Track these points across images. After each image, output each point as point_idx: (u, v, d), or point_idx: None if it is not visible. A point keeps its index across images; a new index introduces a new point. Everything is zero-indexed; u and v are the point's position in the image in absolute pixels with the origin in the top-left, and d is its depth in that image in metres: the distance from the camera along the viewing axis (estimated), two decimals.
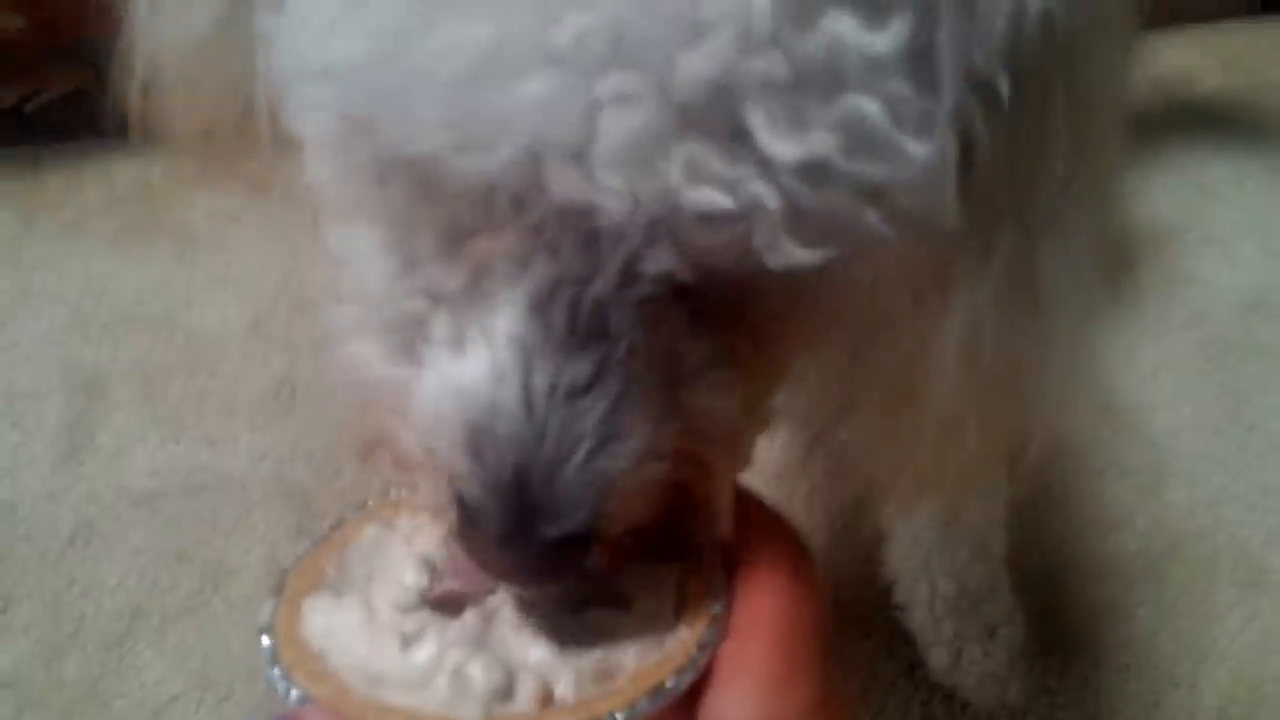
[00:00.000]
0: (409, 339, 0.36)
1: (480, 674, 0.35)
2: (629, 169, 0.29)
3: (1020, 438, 0.47)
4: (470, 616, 0.37)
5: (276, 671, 0.36)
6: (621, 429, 0.34)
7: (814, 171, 0.29)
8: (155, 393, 1.10)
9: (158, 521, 1.00)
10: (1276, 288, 1.17)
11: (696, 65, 0.28)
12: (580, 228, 0.32)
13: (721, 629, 0.37)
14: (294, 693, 0.35)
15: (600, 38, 0.28)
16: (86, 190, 1.30)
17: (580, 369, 0.33)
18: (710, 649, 0.36)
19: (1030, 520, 0.95)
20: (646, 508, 0.36)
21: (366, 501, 0.42)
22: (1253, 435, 1.04)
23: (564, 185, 0.30)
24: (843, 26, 0.29)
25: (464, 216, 0.34)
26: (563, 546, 0.34)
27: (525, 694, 0.35)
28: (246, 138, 0.48)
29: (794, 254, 0.31)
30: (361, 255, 0.38)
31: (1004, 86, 0.33)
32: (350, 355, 0.38)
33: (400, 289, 0.36)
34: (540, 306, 0.33)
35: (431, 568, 0.39)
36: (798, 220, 0.30)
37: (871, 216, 0.31)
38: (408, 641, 0.36)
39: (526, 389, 0.33)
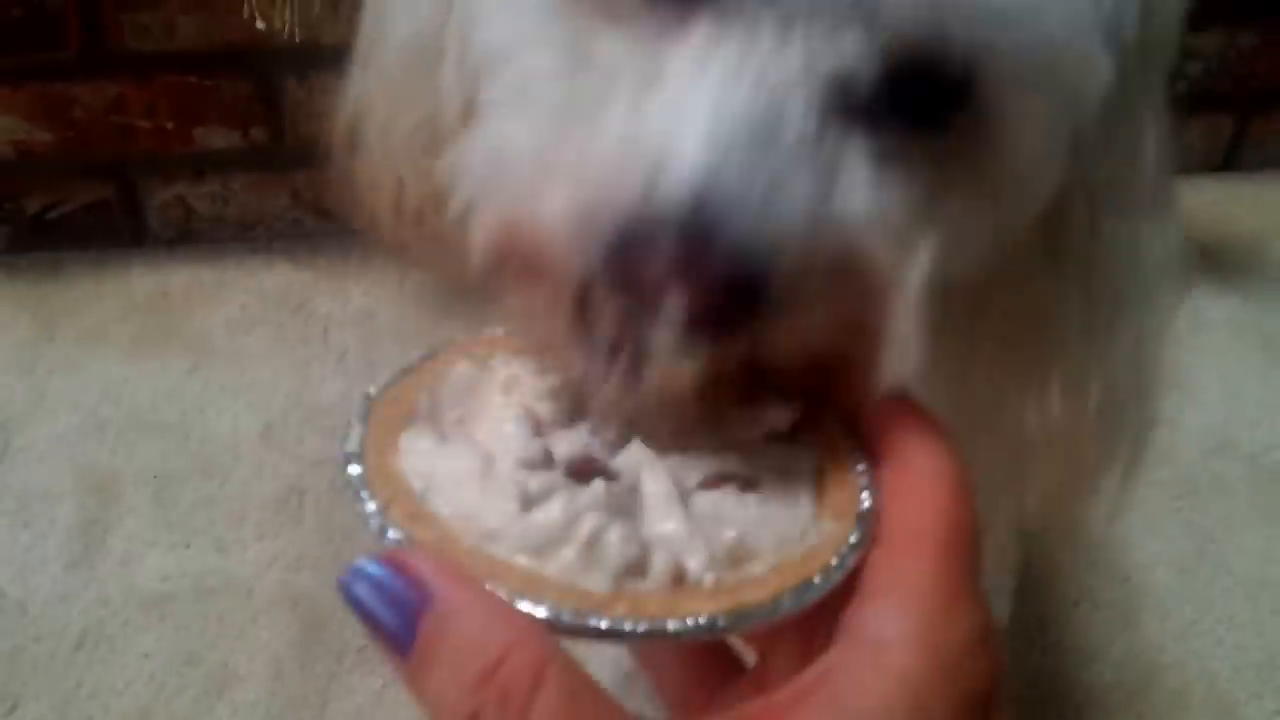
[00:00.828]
0: (568, 126, 0.35)
1: (616, 543, 0.31)
2: None
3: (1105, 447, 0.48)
4: (600, 484, 0.33)
5: (372, 506, 0.32)
6: (797, 187, 0.33)
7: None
8: (167, 498, 1.13)
9: (167, 626, 1.03)
10: (1239, 430, 1.23)
11: None
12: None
13: (870, 529, 0.33)
14: (391, 533, 0.31)
15: None
16: (105, 298, 1.35)
17: (758, 131, 0.33)
18: (859, 549, 0.32)
19: (1010, 651, 1.00)
20: (821, 314, 0.34)
21: (454, 339, 0.38)
22: (1219, 571, 1.09)
23: None
24: None
25: (669, 13, 0.36)
26: (735, 295, 0.32)
27: (659, 570, 0.31)
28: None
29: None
30: (539, 67, 0.38)
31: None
32: (499, 145, 0.37)
33: (575, 86, 0.36)
34: (725, 70, 0.34)
35: (534, 422, 0.35)
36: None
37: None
38: (531, 501, 0.32)
39: (708, 133, 0.33)
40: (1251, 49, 1.50)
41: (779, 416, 0.36)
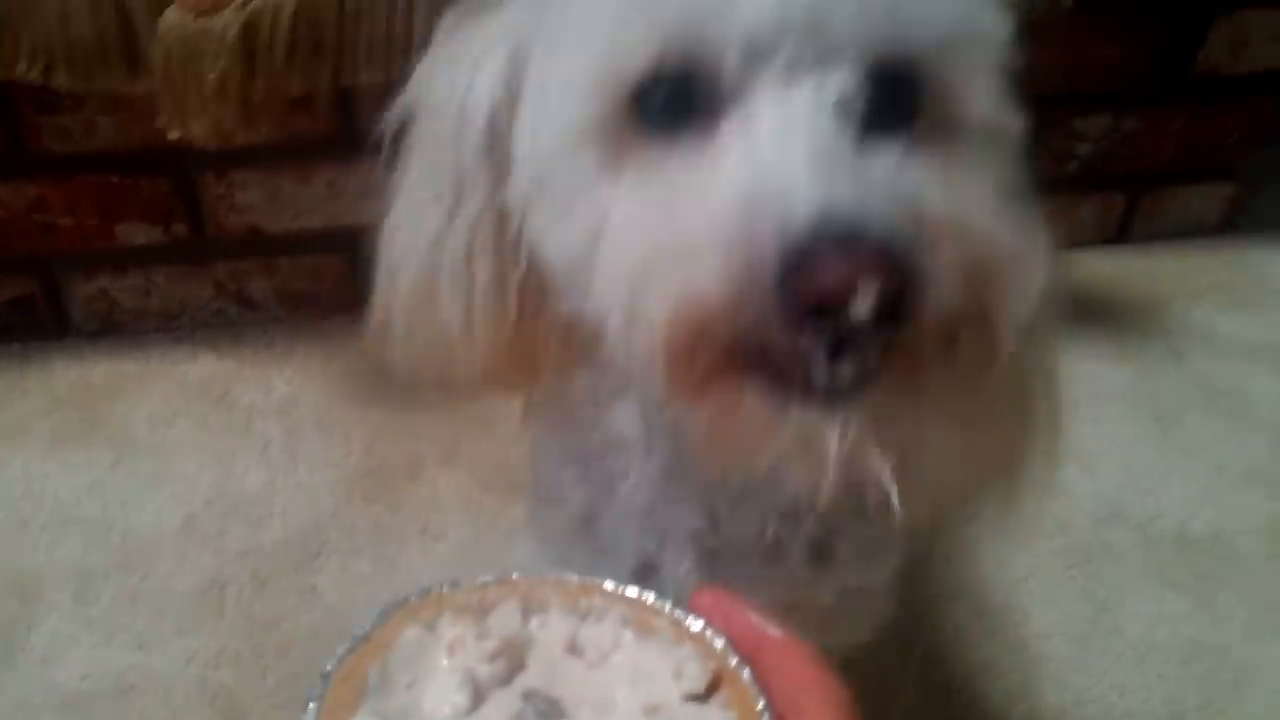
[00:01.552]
0: (677, 215, 0.43)
1: None
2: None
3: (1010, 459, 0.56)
4: None
5: None
6: (877, 183, 0.41)
7: None
8: (88, 594, 1.15)
9: None
10: (1132, 499, 1.29)
11: None
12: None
13: None
14: None
15: None
16: (29, 392, 1.37)
17: (828, 142, 0.42)
18: None
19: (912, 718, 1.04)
20: (955, 287, 0.41)
21: (407, 599, 0.41)
22: (1112, 638, 1.14)
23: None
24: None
25: (693, 136, 0.45)
26: (890, 251, 0.39)
27: None
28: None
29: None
30: (625, 199, 0.46)
31: None
32: (627, 261, 0.44)
33: (661, 192, 0.45)
34: (778, 123, 0.43)
35: (474, 685, 0.38)
36: None
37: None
38: None
39: (802, 156, 0.41)
40: (1136, 131, 1.58)
41: (700, 670, 0.39)
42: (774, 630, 0.39)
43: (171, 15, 1.05)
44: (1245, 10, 1.52)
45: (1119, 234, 1.68)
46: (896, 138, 0.44)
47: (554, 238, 0.50)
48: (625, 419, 0.59)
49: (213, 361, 1.43)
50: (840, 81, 0.43)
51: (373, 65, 1.10)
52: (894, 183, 0.41)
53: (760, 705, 0.37)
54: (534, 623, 0.40)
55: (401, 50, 1.10)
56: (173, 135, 1.10)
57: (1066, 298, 0.52)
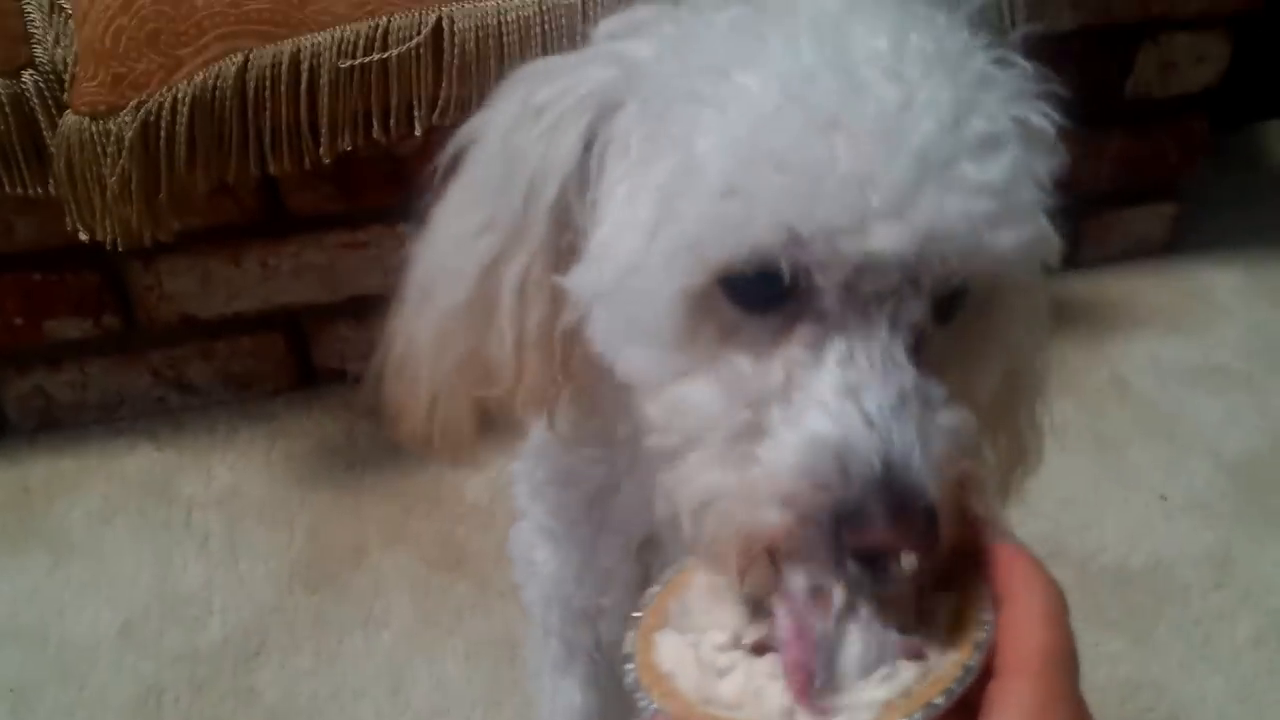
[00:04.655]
0: (742, 450, 0.47)
1: (776, 695, 0.44)
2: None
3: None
4: (770, 656, 0.45)
5: (641, 691, 0.46)
6: (932, 429, 0.45)
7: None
8: (23, 710, 1.13)
9: None
10: (1069, 536, 1.28)
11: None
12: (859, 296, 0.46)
13: (984, 658, 0.43)
14: (653, 707, 0.45)
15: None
16: None
17: (891, 394, 0.45)
18: (973, 674, 0.43)
19: None
20: (955, 518, 0.45)
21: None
22: None
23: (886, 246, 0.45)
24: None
25: (770, 325, 0.48)
26: (928, 516, 0.43)
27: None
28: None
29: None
30: (692, 405, 0.49)
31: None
32: (700, 488, 0.48)
33: (729, 407, 0.48)
34: (844, 363, 0.46)
35: (755, 605, 0.47)
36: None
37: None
38: (721, 674, 0.45)
39: (866, 415, 0.44)
40: (1073, 157, 1.57)
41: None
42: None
43: (69, 119, 1.04)
44: (1171, 34, 1.52)
45: (1067, 259, 1.66)
46: (936, 340, 0.49)
47: (621, 356, 0.53)
48: None
49: (152, 453, 1.41)
50: (916, 309, 0.47)
51: (280, 154, 1.09)
52: (940, 438, 0.45)
53: (981, 586, 0.46)
54: None
55: (310, 135, 1.09)
56: (83, 237, 1.09)
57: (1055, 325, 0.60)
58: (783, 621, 0.46)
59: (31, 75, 1.07)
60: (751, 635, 0.47)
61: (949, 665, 0.44)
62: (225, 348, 1.47)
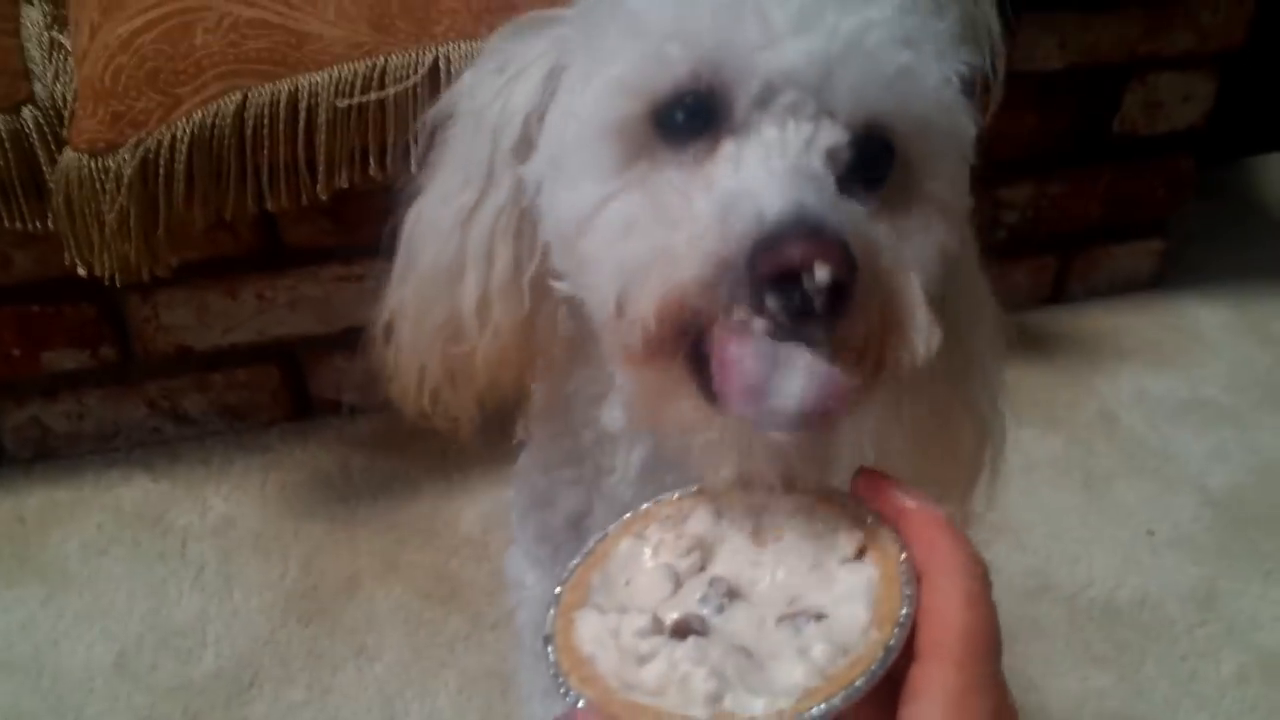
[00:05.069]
0: (664, 226, 0.49)
1: (700, 682, 0.43)
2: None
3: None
4: (692, 640, 0.45)
5: (560, 677, 0.45)
6: (840, 208, 0.48)
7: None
8: None
9: None
10: (1059, 570, 1.29)
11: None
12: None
13: (904, 636, 0.44)
14: (571, 694, 0.44)
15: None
16: None
17: (804, 177, 0.48)
18: (895, 651, 0.43)
19: None
20: (869, 309, 0.48)
21: (621, 519, 0.52)
22: (1038, 717, 1.13)
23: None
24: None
25: (697, 151, 0.51)
26: (841, 246, 0.45)
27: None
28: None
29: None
30: (621, 212, 0.52)
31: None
32: (622, 263, 0.50)
33: (656, 205, 0.51)
34: (762, 159, 0.49)
35: (674, 576, 0.48)
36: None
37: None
38: (643, 660, 0.45)
39: (780, 177, 0.48)
40: (1061, 195, 1.59)
41: (850, 539, 0.49)
42: (911, 502, 0.48)
43: (68, 156, 1.05)
44: (1158, 73, 1.54)
45: (1054, 295, 1.69)
46: (864, 196, 0.51)
47: (559, 208, 0.56)
48: (611, 415, 0.63)
49: (147, 484, 1.42)
50: (830, 133, 0.50)
51: (278, 191, 1.10)
52: (852, 214, 0.49)
53: (902, 557, 0.46)
54: (724, 521, 0.51)
55: (308, 172, 1.10)
56: (82, 272, 1.10)
57: (1012, 337, 0.63)
58: (723, 348, 0.47)
59: (31, 111, 1.08)
60: (671, 613, 0.47)
61: (869, 645, 0.44)
62: (221, 379, 1.48)
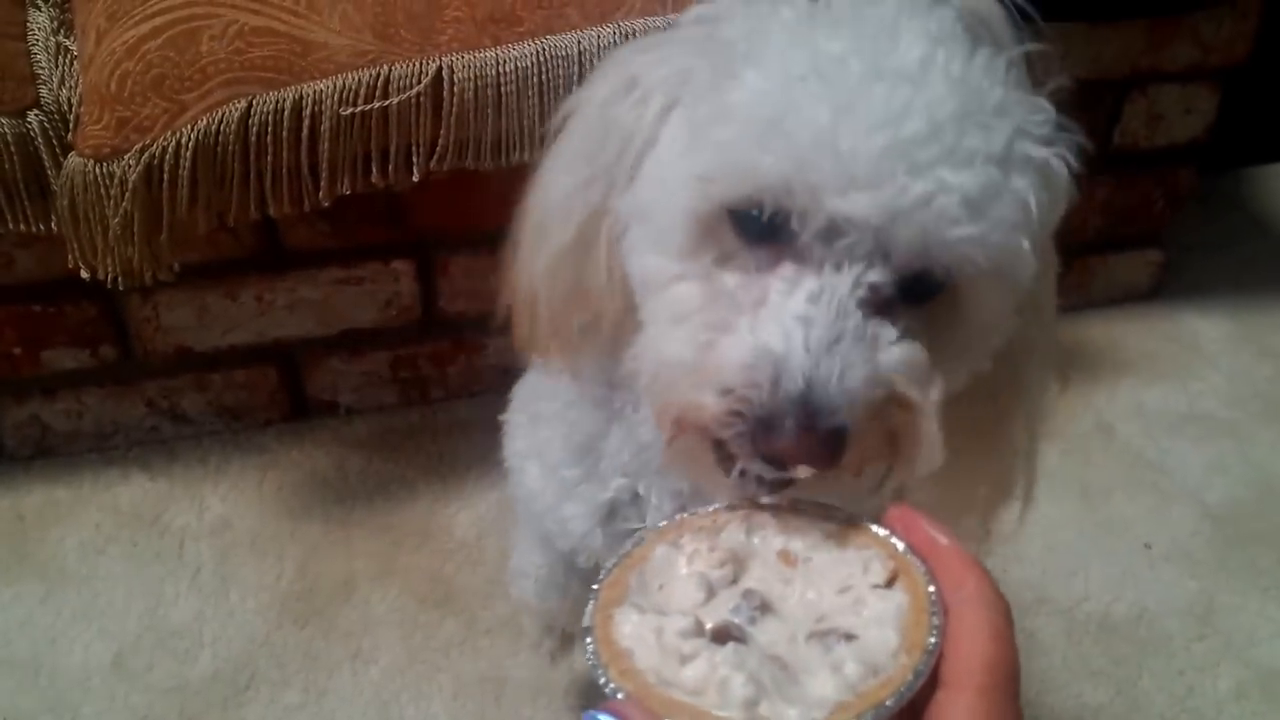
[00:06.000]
0: (707, 339, 0.55)
1: (739, 686, 0.45)
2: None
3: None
4: (731, 646, 0.47)
5: (599, 668, 0.47)
6: (857, 365, 0.52)
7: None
8: None
9: None
10: (1056, 582, 1.30)
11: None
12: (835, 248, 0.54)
13: (932, 663, 0.46)
14: (611, 686, 0.46)
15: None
16: None
17: (833, 333, 0.53)
18: (922, 678, 0.45)
19: None
20: (876, 437, 0.54)
21: (657, 526, 0.56)
22: None
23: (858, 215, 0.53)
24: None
25: (761, 257, 0.56)
26: (832, 437, 0.51)
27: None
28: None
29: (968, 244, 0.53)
30: (681, 298, 0.58)
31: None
32: (666, 354, 0.57)
33: (708, 305, 0.57)
34: (811, 299, 0.54)
35: (708, 585, 0.51)
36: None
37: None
38: (684, 660, 0.46)
39: (806, 343, 0.52)
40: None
41: (883, 566, 0.51)
42: (943, 539, 0.51)
43: (73, 161, 1.06)
44: (1160, 86, 1.54)
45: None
46: (905, 312, 0.55)
47: (633, 262, 0.62)
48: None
49: (145, 483, 1.42)
50: (880, 273, 0.54)
51: (280, 196, 1.10)
52: (875, 347, 0.53)
53: (930, 589, 0.49)
54: (755, 538, 0.54)
55: (310, 178, 1.11)
56: (85, 275, 1.11)
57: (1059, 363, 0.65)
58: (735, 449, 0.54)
59: (36, 115, 1.08)
60: (709, 618, 0.49)
61: (899, 668, 0.46)
62: (219, 379, 1.48)
